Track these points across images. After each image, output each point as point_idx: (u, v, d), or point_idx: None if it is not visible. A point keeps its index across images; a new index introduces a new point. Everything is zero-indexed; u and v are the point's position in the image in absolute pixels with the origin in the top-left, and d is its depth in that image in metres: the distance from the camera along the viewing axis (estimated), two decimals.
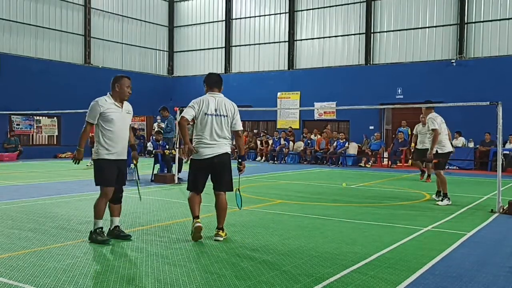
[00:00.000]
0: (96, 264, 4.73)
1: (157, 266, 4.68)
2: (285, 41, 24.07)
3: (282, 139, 21.26)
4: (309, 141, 21.07)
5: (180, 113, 12.67)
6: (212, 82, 5.88)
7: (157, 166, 12.96)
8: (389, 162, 19.33)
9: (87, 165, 17.19)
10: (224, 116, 5.71)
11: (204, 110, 5.68)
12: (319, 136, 21.25)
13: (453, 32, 20.13)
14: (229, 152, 5.83)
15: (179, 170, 12.50)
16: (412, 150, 14.15)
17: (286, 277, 4.36)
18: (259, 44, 24.95)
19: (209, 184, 5.87)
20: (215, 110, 5.69)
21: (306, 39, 23.57)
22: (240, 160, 5.81)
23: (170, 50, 27.91)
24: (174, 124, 13.49)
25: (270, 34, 24.64)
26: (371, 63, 21.86)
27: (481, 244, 5.84)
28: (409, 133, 19.94)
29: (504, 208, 8.08)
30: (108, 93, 5.73)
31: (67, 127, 22.14)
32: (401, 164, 18.99)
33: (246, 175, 14.73)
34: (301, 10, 23.70)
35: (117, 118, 5.65)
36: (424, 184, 12.69)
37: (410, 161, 19.75)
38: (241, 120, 5.95)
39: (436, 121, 9.26)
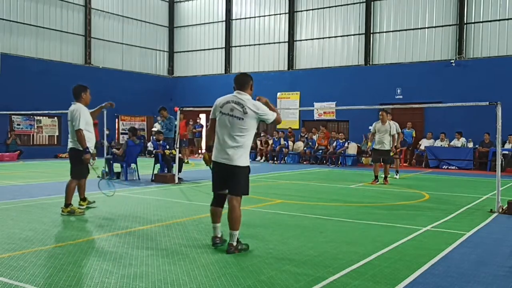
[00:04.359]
0: (96, 264, 4.74)
1: (157, 265, 4.69)
2: (285, 42, 24.08)
3: (282, 139, 21.29)
4: (309, 142, 21.06)
5: (181, 113, 12.80)
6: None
7: (157, 166, 12.99)
8: None
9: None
10: (70, 120, 7.72)
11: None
12: (317, 135, 21.31)
13: (453, 33, 20.14)
14: (73, 147, 7.63)
15: (179, 170, 12.52)
16: (370, 149, 14.38)
17: (286, 277, 4.37)
18: (259, 44, 24.96)
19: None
20: (68, 116, 7.73)
21: (306, 40, 23.57)
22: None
23: (170, 51, 27.92)
24: (174, 124, 13.51)
25: (270, 35, 24.65)
26: (371, 63, 21.88)
27: (480, 244, 5.85)
28: (413, 135, 19.89)
29: (503, 208, 8.09)
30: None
31: (68, 127, 22.11)
32: (400, 164, 18.96)
33: None
34: (301, 11, 23.70)
35: None
36: (424, 184, 12.71)
37: (409, 161, 19.85)
38: None
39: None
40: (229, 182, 5.28)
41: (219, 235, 5.46)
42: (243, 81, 5.42)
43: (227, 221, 5.30)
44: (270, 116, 5.36)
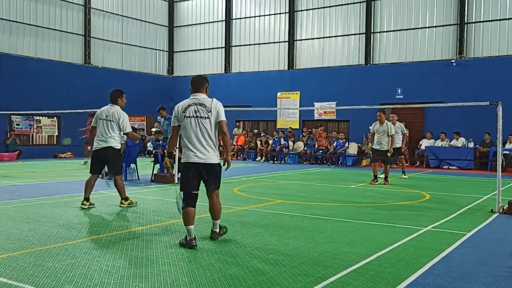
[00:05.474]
0: (95, 264, 4.72)
1: (157, 266, 4.67)
2: (285, 41, 24.07)
3: (282, 139, 21.27)
4: (309, 142, 21.04)
5: None
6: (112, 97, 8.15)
7: (157, 166, 12.97)
8: None
9: (83, 164, 17.19)
10: (110, 121, 7.93)
11: (99, 116, 8.05)
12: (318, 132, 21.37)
13: (453, 32, 20.13)
14: (112, 146, 7.94)
15: (179, 170, 12.48)
16: (369, 150, 14.54)
17: (286, 277, 4.36)
18: (259, 44, 24.94)
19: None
20: (106, 117, 7.96)
21: (306, 39, 23.56)
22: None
23: (170, 50, 27.91)
24: None
25: (270, 34, 24.64)
26: (371, 63, 21.86)
27: (481, 244, 5.84)
28: (407, 135, 19.84)
29: (504, 208, 8.08)
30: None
31: (67, 127, 22.13)
32: (401, 164, 18.93)
33: (246, 175, 14.72)
34: (301, 10, 23.69)
35: None
36: (424, 184, 12.69)
37: (408, 162, 19.82)
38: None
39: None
40: (207, 179, 5.55)
41: (193, 236, 5.45)
42: (199, 84, 5.61)
43: (210, 213, 5.77)
44: (224, 120, 5.53)
